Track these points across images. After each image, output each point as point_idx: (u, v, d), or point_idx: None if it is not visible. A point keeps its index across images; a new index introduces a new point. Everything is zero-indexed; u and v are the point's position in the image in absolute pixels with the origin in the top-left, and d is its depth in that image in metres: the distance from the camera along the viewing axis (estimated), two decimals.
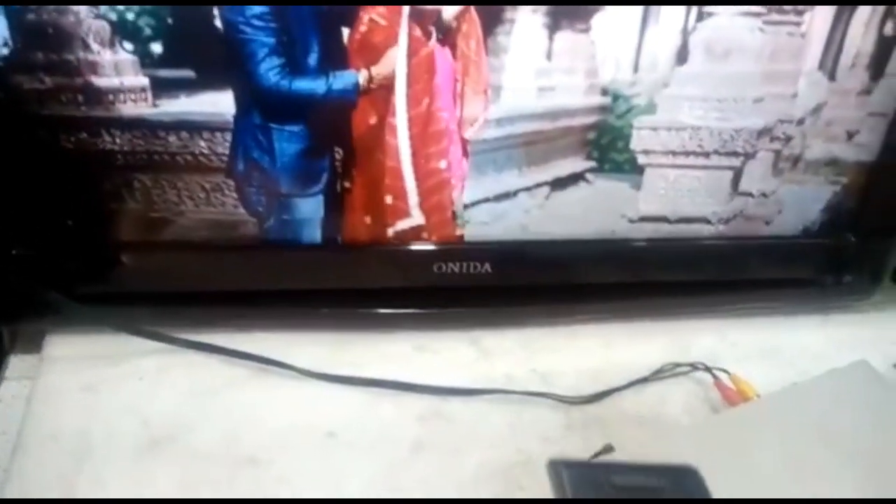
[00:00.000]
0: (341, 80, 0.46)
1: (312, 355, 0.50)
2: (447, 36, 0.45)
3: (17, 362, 0.51)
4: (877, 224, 0.54)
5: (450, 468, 0.45)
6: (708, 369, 0.49)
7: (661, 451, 0.39)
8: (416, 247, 0.51)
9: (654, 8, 0.45)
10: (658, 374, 0.50)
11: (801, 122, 0.50)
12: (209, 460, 0.45)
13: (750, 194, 0.53)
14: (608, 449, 0.43)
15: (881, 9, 0.46)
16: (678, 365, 0.50)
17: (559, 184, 0.51)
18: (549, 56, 0.47)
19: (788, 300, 0.58)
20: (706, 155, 0.51)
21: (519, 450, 0.46)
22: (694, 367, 0.50)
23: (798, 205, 0.54)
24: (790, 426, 0.44)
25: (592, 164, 0.51)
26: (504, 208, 0.51)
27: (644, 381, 0.49)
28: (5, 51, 0.42)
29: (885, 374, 0.50)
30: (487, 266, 0.52)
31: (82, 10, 0.41)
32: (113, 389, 0.48)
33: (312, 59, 0.45)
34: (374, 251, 0.51)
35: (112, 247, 0.49)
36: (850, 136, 0.51)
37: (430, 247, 0.51)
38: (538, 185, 0.51)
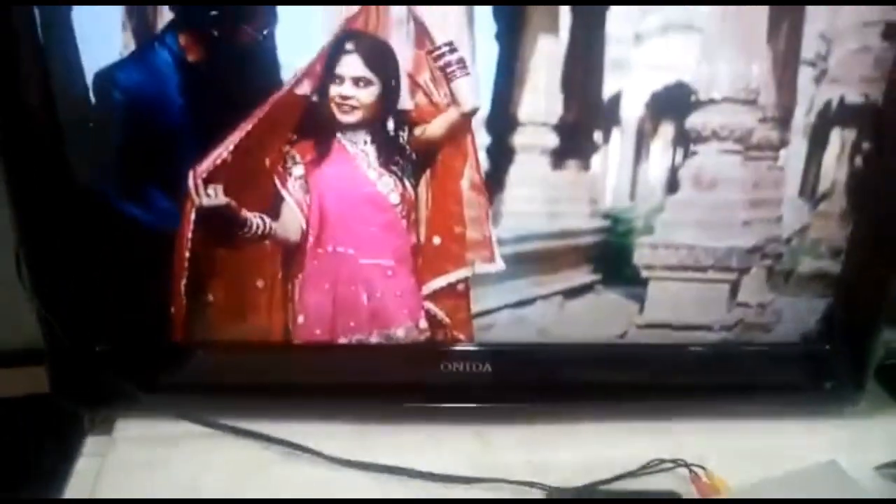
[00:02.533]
0: None
1: (335, 442, 0.56)
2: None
3: (92, 441, 0.59)
4: (850, 331, 0.58)
5: None
6: (687, 465, 0.53)
7: None
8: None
9: (645, 146, 0.52)
10: (644, 469, 0.54)
11: (788, 241, 0.56)
12: None
13: (748, 305, 0.58)
14: None
15: (850, 143, 0.52)
16: (663, 461, 0.54)
17: (571, 294, 0.57)
18: (554, 187, 0.54)
19: (777, 405, 0.60)
20: (703, 270, 0.56)
21: None
22: (676, 463, 0.54)
23: (794, 315, 0.58)
24: None
25: (599, 276, 0.57)
26: (524, 314, 0.57)
27: (631, 474, 0.53)
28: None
29: (862, 478, 0.53)
30: (488, 366, 0.57)
31: None
32: (168, 467, 0.55)
33: None
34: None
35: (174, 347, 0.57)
36: (836, 253, 0.56)
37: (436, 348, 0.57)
38: (553, 294, 0.57)
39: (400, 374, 0.58)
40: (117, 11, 0.47)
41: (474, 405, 0.59)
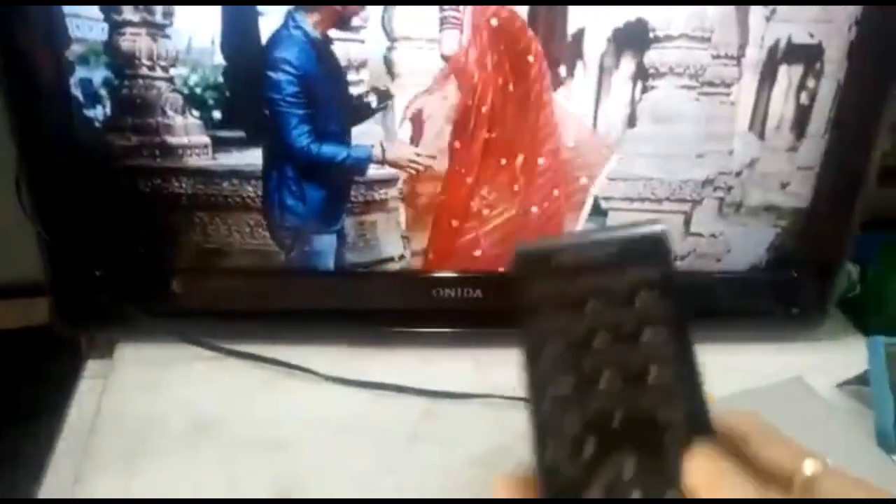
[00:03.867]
0: (359, 150, 0.58)
1: (330, 362, 0.60)
2: None
3: (92, 365, 0.62)
4: (815, 262, 0.63)
5: (441, 456, 0.54)
6: None
7: None
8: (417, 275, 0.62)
9: (606, 81, 0.56)
10: None
11: (738, 174, 0.60)
12: (243, 444, 0.55)
13: (700, 235, 0.63)
14: None
15: (796, 81, 0.57)
16: None
17: None
18: None
19: (746, 330, 0.65)
20: (659, 201, 0.61)
21: (500, 444, 0.54)
22: None
23: (744, 245, 0.63)
24: None
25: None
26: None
27: None
28: (103, 115, 0.55)
29: (825, 394, 0.58)
30: (479, 292, 0.62)
31: (163, 85, 0.54)
32: (168, 387, 0.59)
33: (336, 130, 0.57)
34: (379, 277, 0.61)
35: (174, 271, 0.61)
36: (784, 185, 0.61)
37: (429, 274, 0.62)
38: None
39: (394, 299, 0.62)
40: None
41: (467, 330, 0.62)
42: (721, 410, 0.24)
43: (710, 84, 0.57)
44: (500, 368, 0.60)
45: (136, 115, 0.55)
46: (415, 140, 0.58)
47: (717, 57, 0.56)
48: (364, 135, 0.57)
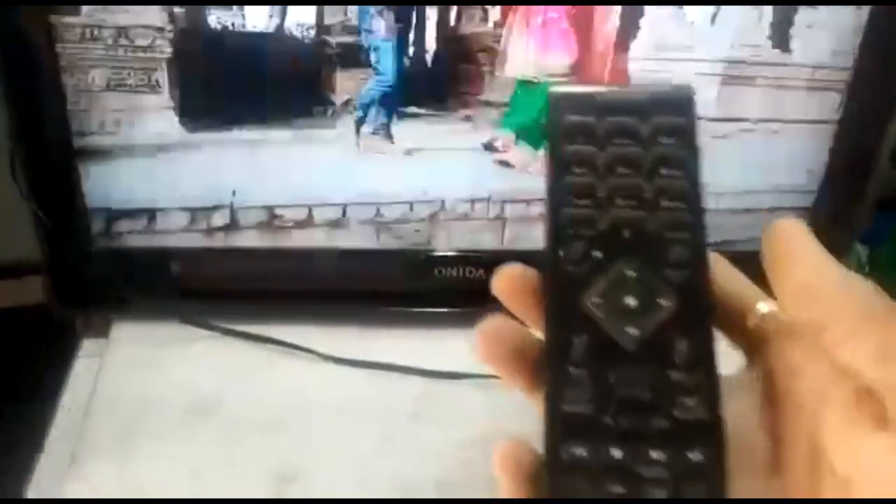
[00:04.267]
0: None
1: (329, 342, 0.59)
2: None
3: (88, 344, 0.61)
4: (825, 241, 0.62)
5: (441, 436, 0.53)
6: None
7: None
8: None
9: None
10: None
11: None
12: (241, 424, 0.54)
13: None
14: None
15: None
16: None
17: None
18: None
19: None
20: None
21: (494, 425, 0.54)
22: None
23: None
24: None
25: None
26: None
27: None
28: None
29: None
30: (481, 272, 0.61)
31: None
32: (166, 367, 0.58)
33: None
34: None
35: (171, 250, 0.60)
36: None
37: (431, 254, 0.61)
38: None
39: (395, 279, 0.61)
40: None
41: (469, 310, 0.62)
42: None
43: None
44: None
45: None
46: None
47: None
48: None
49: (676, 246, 0.23)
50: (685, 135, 0.24)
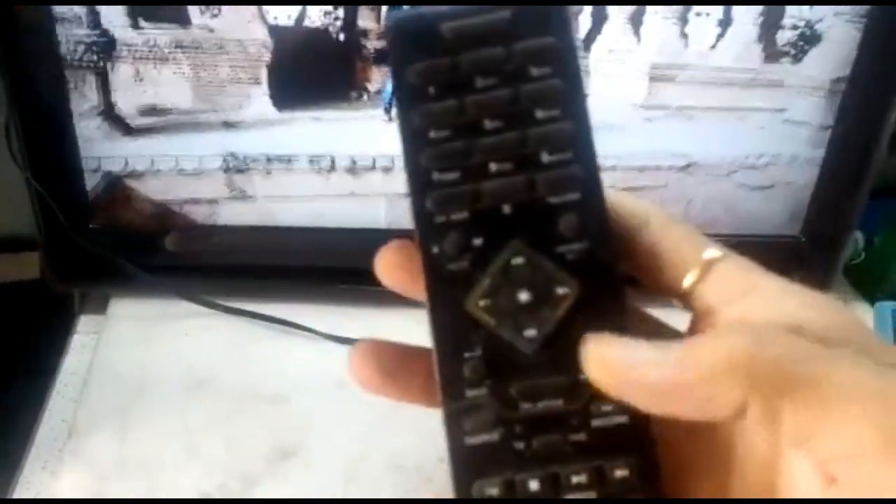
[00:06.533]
0: None
1: (328, 320, 0.59)
2: None
3: (86, 320, 0.61)
4: (823, 227, 0.62)
5: (436, 412, 0.53)
6: None
7: None
8: None
9: None
10: None
11: None
12: (239, 398, 0.54)
13: None
14: None
15: None
16: None
17: None
18: None
19: None
20: None
21: None
22: None
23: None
24: None
25: None
26: None
27: None
28: None
29: None
30: None
31: None
32: (164, 342, 0.58)
33: None
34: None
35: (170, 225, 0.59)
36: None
37: None
38: None
39: None
40: None
41: None
42: (618, 194, 0.20)
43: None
44: None
45: None
46: None
47: None
48: None
49: (566, 213, 0.19)
50: (560, 59, 0.19)
